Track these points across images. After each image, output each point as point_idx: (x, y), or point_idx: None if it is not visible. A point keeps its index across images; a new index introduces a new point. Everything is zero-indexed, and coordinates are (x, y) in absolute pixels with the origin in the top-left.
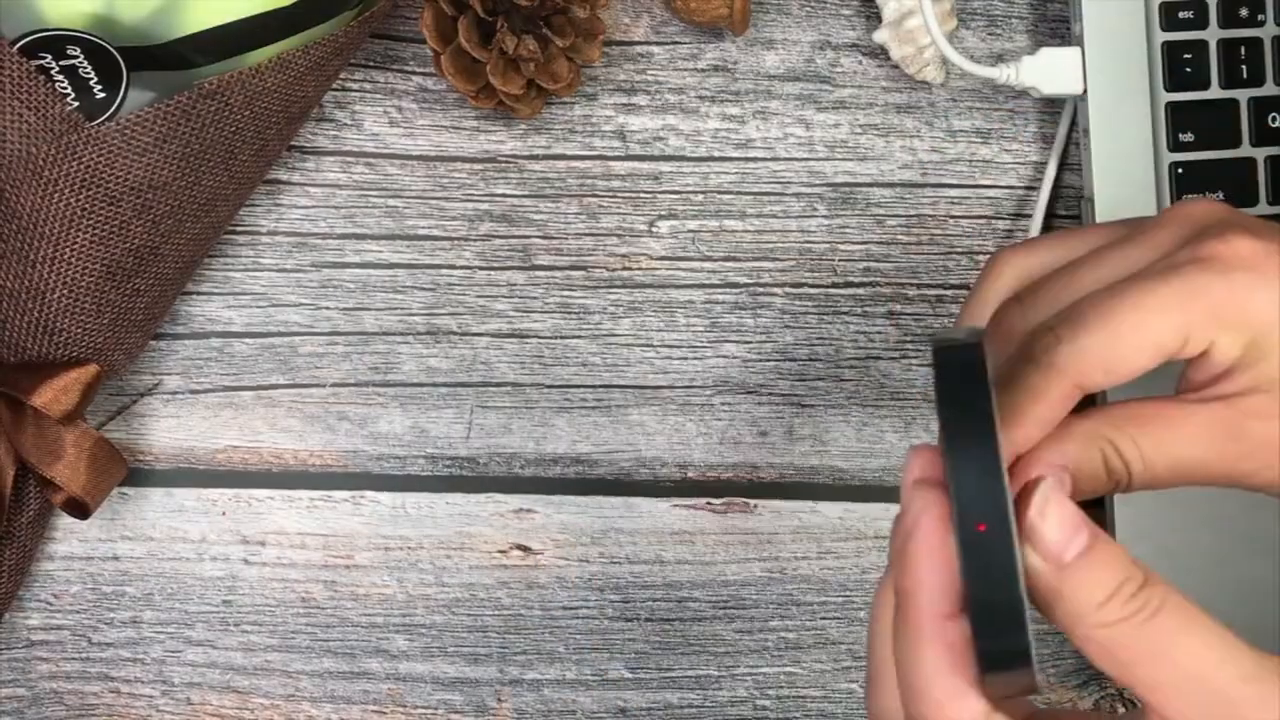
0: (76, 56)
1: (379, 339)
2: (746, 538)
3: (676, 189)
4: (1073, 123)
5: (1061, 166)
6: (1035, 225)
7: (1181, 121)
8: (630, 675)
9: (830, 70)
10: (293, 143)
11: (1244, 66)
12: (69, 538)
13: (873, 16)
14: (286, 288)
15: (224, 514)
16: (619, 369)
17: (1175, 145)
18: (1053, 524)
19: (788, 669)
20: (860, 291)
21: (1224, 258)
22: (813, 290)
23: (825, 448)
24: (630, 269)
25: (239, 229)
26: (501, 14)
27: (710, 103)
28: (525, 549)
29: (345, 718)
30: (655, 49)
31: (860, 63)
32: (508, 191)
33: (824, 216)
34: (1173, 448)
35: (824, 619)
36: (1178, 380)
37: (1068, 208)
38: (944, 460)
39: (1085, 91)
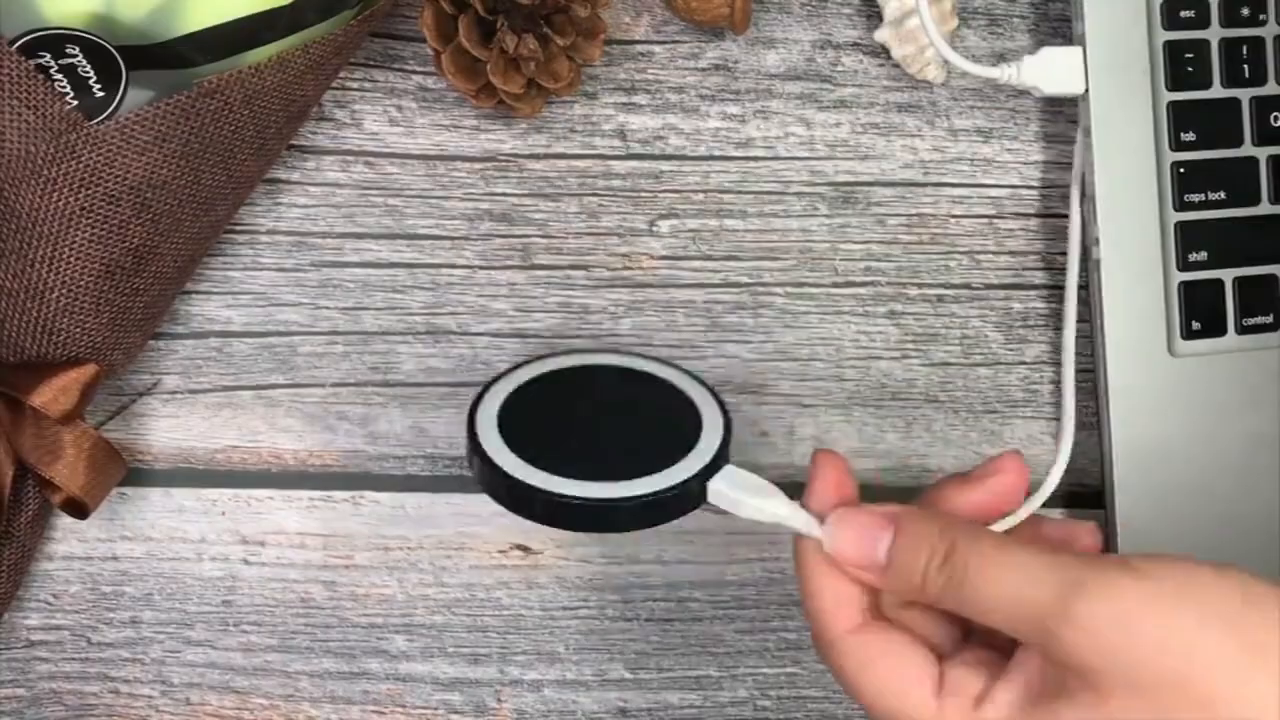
0: (75, 55)
1: (378, 339)
2: (747, 538)
3: (677, 188)
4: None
5: (1063, 167)
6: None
7: (1183, 121)
8: (630, 675)
9: (831, 69)
10: (292, 142)
11: (1246, 66)
12: (68, 538)
13: (874, 15)
14: (286, 287)
15: (223, 514)
16: None
17: (1177, 145)
18: (848, 542)
19: (788, 670)
20: (861, 291)
21: None
22: (814, 290)
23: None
24: (631, 268)
25: (238, 228)
26: (502, 13)
27: (711, 102)
28: (525, 549)
29: (345, 718)
30: (656, 48)
31: (861, 62)
32: (508, 191)
33: (825, 216)
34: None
35: None
36: None
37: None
38: None
39: (1086, 91)
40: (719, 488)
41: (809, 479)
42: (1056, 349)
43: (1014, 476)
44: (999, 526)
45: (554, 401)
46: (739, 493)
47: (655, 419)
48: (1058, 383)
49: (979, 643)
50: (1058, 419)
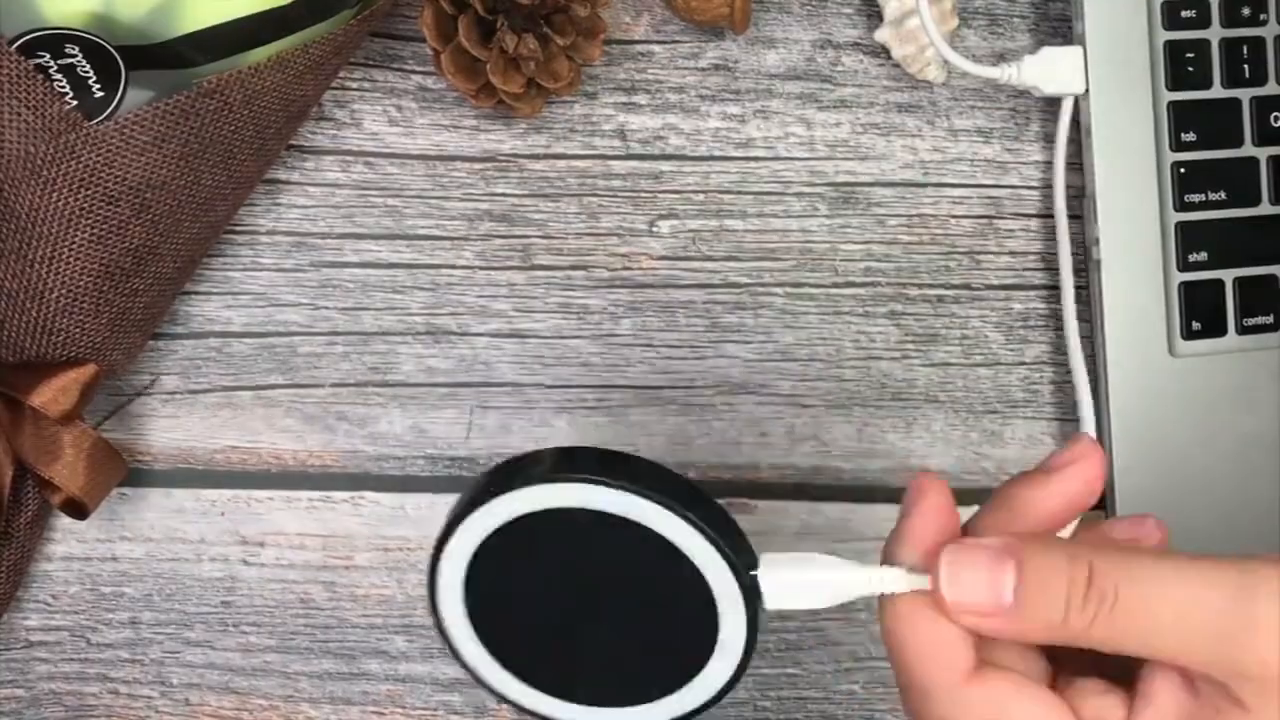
0: (75, 55)
1: (378, 339)
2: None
3: (677, 188)
4: (1073, 123)
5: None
6: (1061, 229)
7: (1183, 121)
8: None
9: (831, 69)
10: (292, 142)
11: (1246, 66)
12: (67, 538)
13: (874, 15)
14: (285, 287)
15: (223, 514)
16: (619, 369)
17: (1177, 145)
18: (969, 585)
19: (788, 670)
20: (861, 291)
21: None
22: (813, 290)
23: (826, 448)
24: (630, 269)
25: (238, 228)
26: (502, 13)
27: (711, 102)
28: None
29: (344, 719)
30: (656, 48)
31: (861, 62)
32: (508, 191)
33: (825, 216)
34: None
35: (825, 620)
36: None
37: (1070, 207)
38: None
39: (1087, 90)
40: (774, 600)
41: (903, 510)
42: (1057, 349)
43: (1093, 463)
44: (1065, 533)
45: (531, 569)
46: (794, 597)
47: (652, 585)
48: (1058, 383)
49: (1073, 672)
50: (1059, 419)
